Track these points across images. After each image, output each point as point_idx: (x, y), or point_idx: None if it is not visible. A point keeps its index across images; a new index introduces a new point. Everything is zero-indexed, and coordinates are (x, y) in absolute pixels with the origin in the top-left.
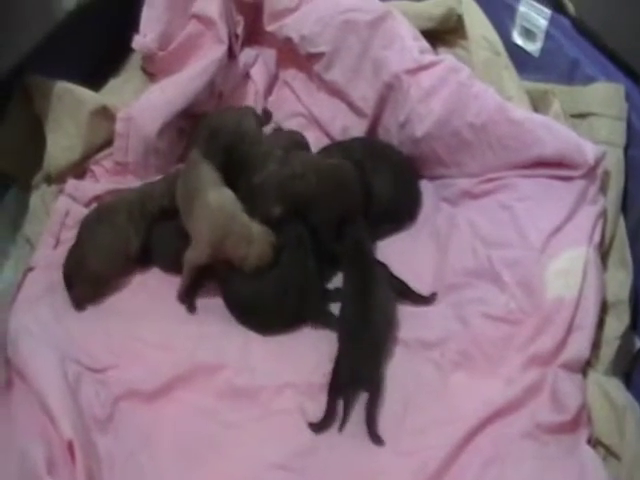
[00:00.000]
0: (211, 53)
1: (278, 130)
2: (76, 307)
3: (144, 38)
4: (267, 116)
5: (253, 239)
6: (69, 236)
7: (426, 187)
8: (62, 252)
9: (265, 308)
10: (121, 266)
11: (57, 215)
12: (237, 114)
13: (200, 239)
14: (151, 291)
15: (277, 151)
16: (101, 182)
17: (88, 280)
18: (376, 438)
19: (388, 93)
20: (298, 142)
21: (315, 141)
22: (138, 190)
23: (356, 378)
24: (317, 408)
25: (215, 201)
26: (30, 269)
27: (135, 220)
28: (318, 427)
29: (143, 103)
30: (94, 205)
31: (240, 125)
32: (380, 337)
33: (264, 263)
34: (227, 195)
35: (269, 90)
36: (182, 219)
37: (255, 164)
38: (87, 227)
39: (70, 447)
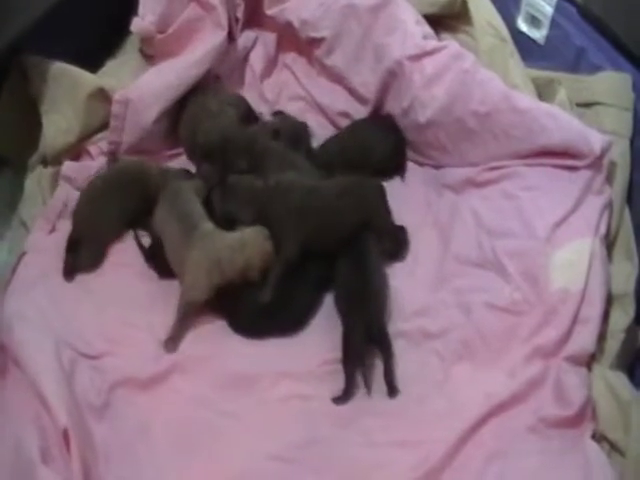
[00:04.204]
0: (211, 38)
1: (280, 114)
2: (69, 274)
3: (143, 20)
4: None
5: (245, 244)
6: (66, 224)
7: (429, 174)
8: (57, 238)
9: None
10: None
11: (56, 202)
12: (220, 125)
13: (196, 284)
14: (148, 279)
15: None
16: (97, 161)
17: (97, 243)
18: (393, 389)
19: (390, 79)
20: (299, 134)
21: (316, 125)
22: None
23: (368, 337)
24: (317, 396)
25: (201, 255)
26: (24, 253)
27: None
28: (342, 399)
29: (141, 87)
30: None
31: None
32: (381, 295)
33: (267, 262)
34: (210, 242)
35: (267, 73)
36: (167, 251)
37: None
38: (102, 192)
39: (65, 435)
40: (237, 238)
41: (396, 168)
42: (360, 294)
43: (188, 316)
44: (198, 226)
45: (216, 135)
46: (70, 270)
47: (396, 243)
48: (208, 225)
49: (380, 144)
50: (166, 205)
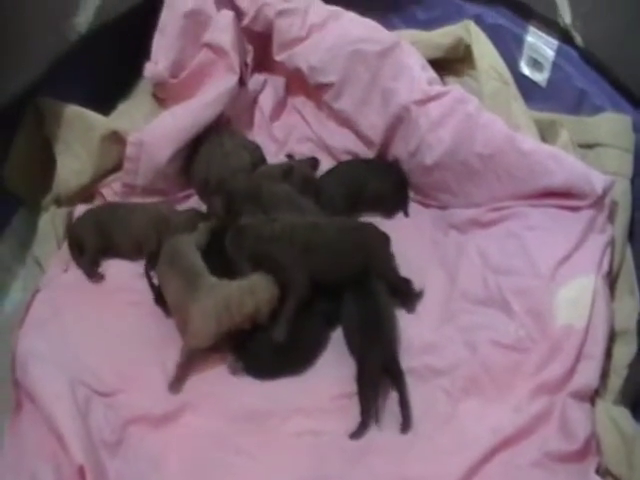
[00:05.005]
0: (223, 82)
1: (291, 158)
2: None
3: (156, 65)
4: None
5: (255, 289)
6: None
7: (435, 214)
8: (72, 276)
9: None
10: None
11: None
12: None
13: (201, 332)
14: (160, 317)
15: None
16: None
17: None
18: (408, 422)
19: (397, 123)
20: (309, 179)
21: (326, 166)
22: (161, 214)
23: (384, 370)
24: (328, 431)
25: (209, 304)
26: (38, 290)
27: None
28: (358, 432)
29: (155, 129)
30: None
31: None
32: (394, 329)
33: (275, 304)
34: (218, 290)
35: (277, 115)
36: (168, 302)
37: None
38: (116, 210)
39: (81, 472)
40: (246, 284)
41: (397, 204)
42: (374, 326)
43: (192, 360)
44: (203, 278)
45: (227, 173)
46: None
47: (401, 294)
48: (212, 278)
49: (375, 177)
50: (166, 260)
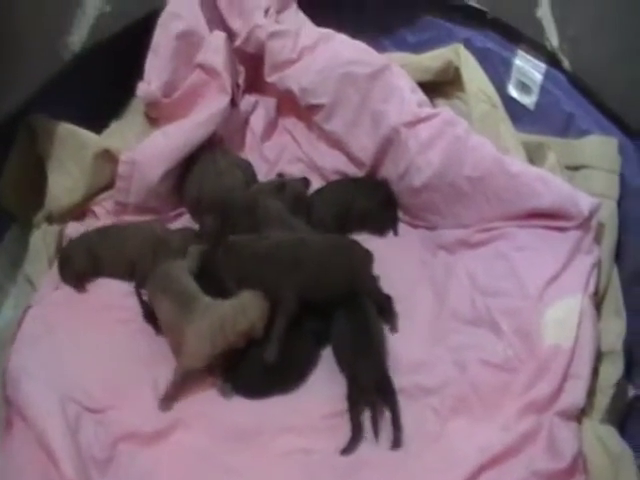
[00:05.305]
0: (215, 103)
1: (282, 177)
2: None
3: (149, 85)
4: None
5: (246, 307)
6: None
7: (423, 235)
8: (63, 294)
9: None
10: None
11: None
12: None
13: (197, 353)
14: (150, 335)
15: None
16: (101, 221)
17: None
18: (399, 438)
19: (387, 145)
20: (301, 198)
21: (317, 186)
22: (156, 234)
23: (375, 386)
24: (319, 450)
25: (203, 325)
26: (29, 307)
27: (145, 251)
28: (349, 449)
29: (147, 148)
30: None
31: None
32: (383, 346)
33: (267, 319)
34: (212, 311)
35: (268, 136)
36: (160, 324)
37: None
38: (109, 233)
39: None
40: (237, 303)
41: (385, 222)
42: (366, 344)
43: (185, 380)
44: (196, 300)
45: (221, 192)
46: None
47: (383, 311)
48: (205, 298)
49: (362, 195)
50: (159, 286)
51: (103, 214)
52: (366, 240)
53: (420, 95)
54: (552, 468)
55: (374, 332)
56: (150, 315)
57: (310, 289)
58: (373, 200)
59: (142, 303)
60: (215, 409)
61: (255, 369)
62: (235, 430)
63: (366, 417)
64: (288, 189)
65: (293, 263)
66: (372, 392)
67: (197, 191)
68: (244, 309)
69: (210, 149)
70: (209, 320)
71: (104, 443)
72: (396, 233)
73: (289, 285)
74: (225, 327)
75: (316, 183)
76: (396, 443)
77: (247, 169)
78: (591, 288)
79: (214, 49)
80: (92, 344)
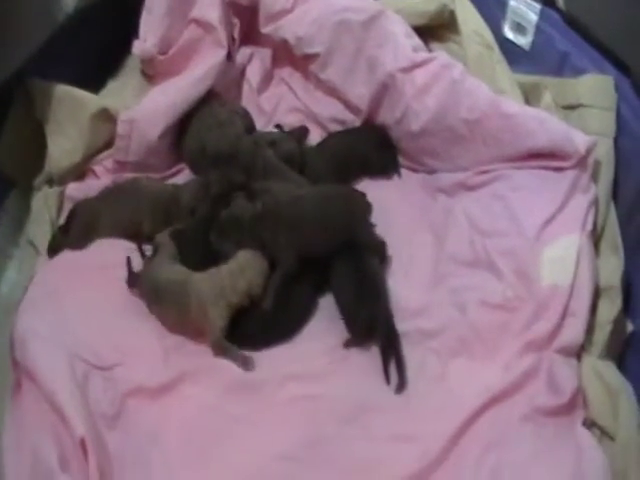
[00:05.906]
0: (211, 57)
1: (279, 128)
2: (53, 253)
3: (144, 43)
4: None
5: (243, 267)
6: None
7: (423, 179)
8: (66, 256)
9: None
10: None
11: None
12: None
13: (213, 325)
14: None
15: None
16: (102, 180)
17: (86, 237)
18: (404, 380)
19: (383, 91)
20: (293, 156)
21: (316, 137)
22: (166, 191)
23: (380, 330)
24: (320, 395)
25: (202, 295)
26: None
27: (156, 213)
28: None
29: (146, 106)
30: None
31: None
32: (385, 290)
33: (267, 277)
34: (208, 279)
35: (264, 87)
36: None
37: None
38: (111, 195)
39: (82, 444)
40: (235, 266)
41: (385, 164)
42: (370, 285)
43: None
44: (189, 283)
45: (225, 142)
46: (57, 249)
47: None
48: (196, 274)
49: (360, 141)
50: (152, 297)
51: (103, 172)
52: (366, 186)
53: (415, 40)
54: (553, 404)
55: (379, 277)
56: (133, 282)
57: (311, 246)
58: (371, 144)
59: (129, 271)
60: (219, 362)
61: (255, 321)
62: (240, 381)
63: (369, 361)
64: (277, 149)
65: (291, 224)
66: (378, 336)
67: (199, 143)
68: (242, 269)
69: (206, 102)
70: (208, 288)
71: (112, 399)
72: (399, 174)
73: (288, 245)
74: (225, 291)
75: (314, 132)
76: (401, 386)
77: (245, 116)
78: (589, 226)
79: (208, 3)
80: (96, 303)
